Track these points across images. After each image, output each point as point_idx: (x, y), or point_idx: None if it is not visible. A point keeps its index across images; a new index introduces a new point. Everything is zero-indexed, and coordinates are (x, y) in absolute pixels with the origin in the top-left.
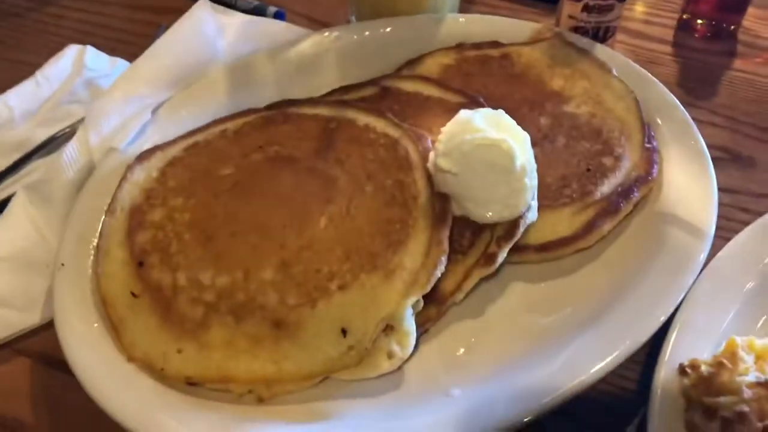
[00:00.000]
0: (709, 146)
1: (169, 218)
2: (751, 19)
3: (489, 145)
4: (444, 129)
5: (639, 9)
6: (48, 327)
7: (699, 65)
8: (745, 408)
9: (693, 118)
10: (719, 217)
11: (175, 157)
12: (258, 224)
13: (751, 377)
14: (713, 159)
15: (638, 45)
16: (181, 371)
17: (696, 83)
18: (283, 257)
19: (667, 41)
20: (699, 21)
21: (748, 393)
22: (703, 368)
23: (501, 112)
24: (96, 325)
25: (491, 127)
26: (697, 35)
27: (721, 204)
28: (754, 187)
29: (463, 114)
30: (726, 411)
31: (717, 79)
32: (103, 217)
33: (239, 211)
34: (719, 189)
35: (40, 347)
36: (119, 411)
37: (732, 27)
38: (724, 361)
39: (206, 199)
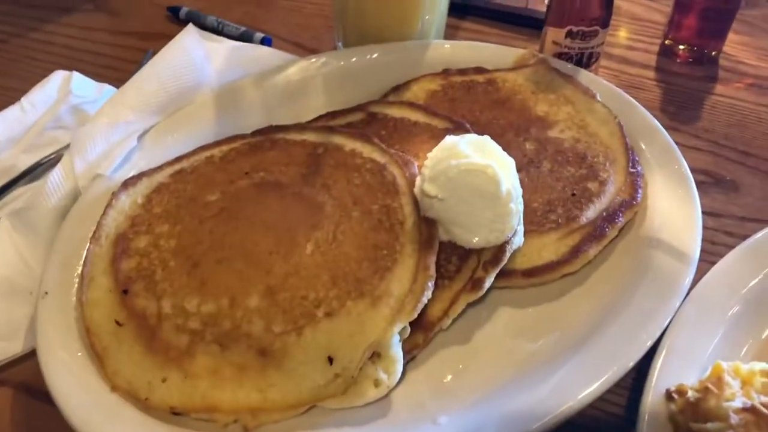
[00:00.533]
0: (692, 170)
1: (154, 245)
2: (731, 44)
3: (474, 170)
4: (430, 154)
5: (622, 35)
6: (30, 356)
7: (681, 90)
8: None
9: (676, 143)
10: (703, 240)
11: (160, 184)
12: (244, 251)
13: (738, 403)
14: (696, 183)
15: (621, 70)
16: (165, 401)
17: (678, 108)
18: (269, 284)
19: (650, 66)
20: (681, 47)
21: (735, 419)
22: (690, 393)
23: (486, 137)
24: (79, 354)
25: (477, 152)
26: (679, 60)
27: (705, 227)
28: (737, 211)
29: (449, 140)
30: None
31: (699, 104)
32: (88, 244)
33: (225, 238)
34: (703, 212)
35: (23, 377)
36: None
37: (713, 53)
38: (711, 386)
39: (192, 225)
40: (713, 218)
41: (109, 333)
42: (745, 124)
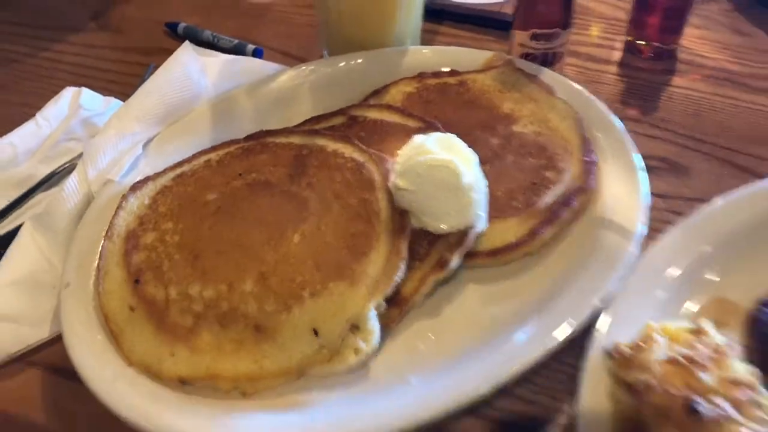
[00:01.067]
0: (649, 157)
1: (160, 240)
2: (691, 39)
3: (438, 165)
4: (400, 152)
5: (589, 33)
6: (56, 341)
7: (642, 83)
8: (653, 380)
9: (635, 132)
10: (654, 220)
11: (164, 186)
12: (239, 243)
13: (662, 356)
14: (652, 168)
15: (588, 67)
16: (174, 372)
17: (639, 100)
18: (262, 271)
19: (614, 62)
20: (642, 43)
21: (657, 369)
22: (625, 350)
23: (451, 135)
24: (99, 336)
25: (442, 149)
26: (641, 56)
27: (656, 208)
28: (687, 192)
29: (418, 138)
30: (638, 384)
31: (658, 96)
32: (102, 241)
33: (223, 232)
34: (656, 195)
35: (50, 359)
36: (122, 408)
37: (673, 47)
38: (641, 343)
39: (193, 222)
40: (665, 200)
41: (123, 317)
42: (700, 114)
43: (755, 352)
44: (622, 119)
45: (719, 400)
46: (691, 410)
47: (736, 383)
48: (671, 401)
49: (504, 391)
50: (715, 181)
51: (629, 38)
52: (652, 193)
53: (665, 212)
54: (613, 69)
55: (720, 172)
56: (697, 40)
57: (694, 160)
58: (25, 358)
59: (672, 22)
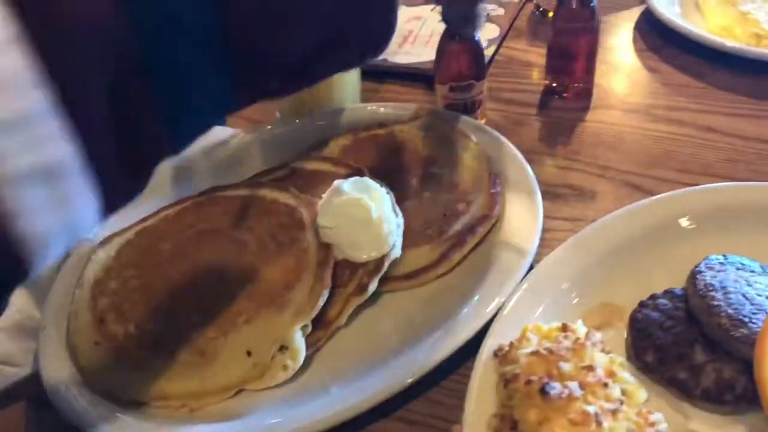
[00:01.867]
0: (558, 186)
1: (122, 286)
2: (605, 77)
3: (351, 203)
4: (323, 195)
5: (511, 80)
6: (37, 377)
7: (559, 122)
8: (518, 370)
9: (550, 166)
10: (559, 240)
11: (128, 240)
12: (188, 283)
13: (529, 350)
14: (562, 195)
15: (509, 110)
16: (132, 395)
17: (555, 136)
18: (206, 304)
19: (534, 104)
20: (555, 85)
21: (523, 360)
22: (505, 349)
23: (365, 178)
24: (69, 369)
25: (355, 190)
26: (558, 97)
27: (562, 230)
28: (592, 215)
29: (335, 183)
30: (508, 374)
31: (572, 131)
32: (75, 289)
33: (173, 275)
34: (562, 219)
35: (32, 392)
36: (87, 427)
37: (587, 87)
38: (515, 342)
39: (150, 268)
40: (571, 222)
41: (89, 351)
42: (608, 143)
43: (633, 345)
44: (540, 155)
45: (572, 384)
46: (544, 392)
47: (590, 369)
48: (532, 386)
49: (414, 393)
50: (617, 202)
51: (547, 82)
52: (560, 218)
53: (569, 233)
54: (533, 110)
55: (621, 194)
56: (611, 78)
57: (598, 185)
58: (11, 393)
59: (581, 65)
